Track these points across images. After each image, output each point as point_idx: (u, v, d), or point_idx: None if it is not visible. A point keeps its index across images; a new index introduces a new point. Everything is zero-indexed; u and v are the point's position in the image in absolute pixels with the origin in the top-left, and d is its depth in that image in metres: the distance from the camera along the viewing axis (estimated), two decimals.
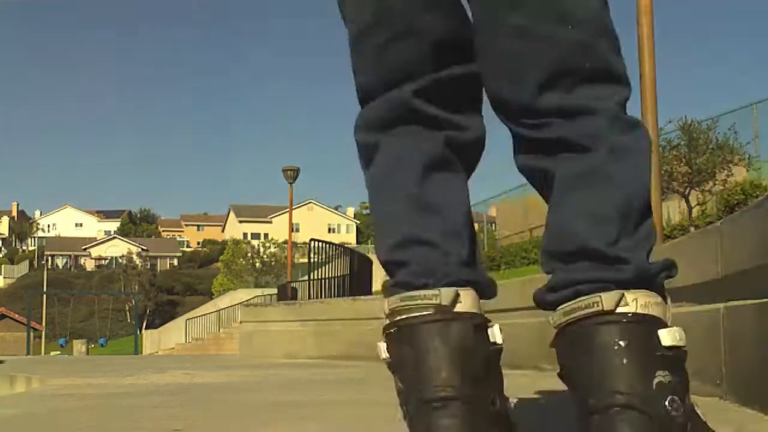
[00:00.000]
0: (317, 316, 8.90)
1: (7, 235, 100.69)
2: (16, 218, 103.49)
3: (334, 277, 11.55)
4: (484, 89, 1.13)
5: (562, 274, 1.04)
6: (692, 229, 13.60)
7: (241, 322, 10.31)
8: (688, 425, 1.02)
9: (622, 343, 0.98)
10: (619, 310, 0.99)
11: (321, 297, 11.42)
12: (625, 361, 0.97)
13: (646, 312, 1.01)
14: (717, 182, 14.03)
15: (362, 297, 9.10)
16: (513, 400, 1.17)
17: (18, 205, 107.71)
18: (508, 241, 26.26)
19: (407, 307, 1.05)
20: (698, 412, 1.09)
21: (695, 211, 14.86)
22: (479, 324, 1.07)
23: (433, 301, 1.04)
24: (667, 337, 1.01)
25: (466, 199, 1.16)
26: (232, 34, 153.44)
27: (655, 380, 0.98)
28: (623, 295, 1.00)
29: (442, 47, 1.10)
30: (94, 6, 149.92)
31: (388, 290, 1.09)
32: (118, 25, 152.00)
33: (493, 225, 33.33)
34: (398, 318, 1.05)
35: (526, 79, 1.04)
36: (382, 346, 1.09)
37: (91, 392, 4.19)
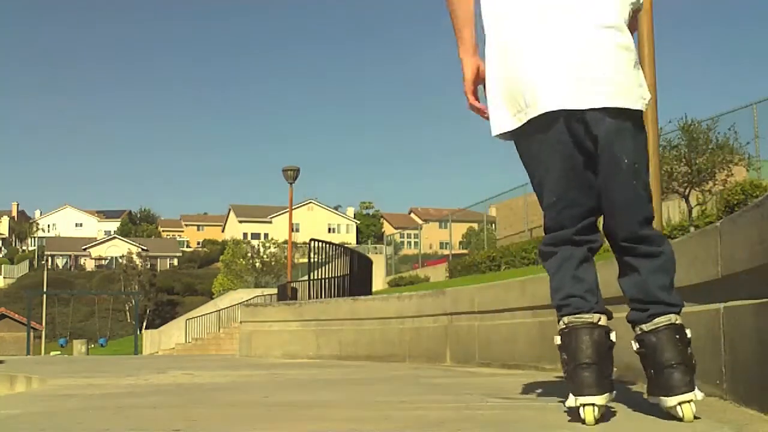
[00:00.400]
0: (317, 316, 8.90)
1: (7, 235, 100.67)
2: (16, 218, 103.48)
3: (334, 277, 11.54)
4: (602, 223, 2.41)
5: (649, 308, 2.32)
6: (692, 229, 13.60)
7: (241, 322, 10.31)
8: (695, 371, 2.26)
9: (677, 336, 2.25)
10: (677, 322, 2.27)
11: (321, 297, 11.42)
12: (679, 344, 2.23)
13: (680, 322, 2.28)
14: (717, 182, 14.02)
15: (362, 297, 9.10)
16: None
17: (18, 205, 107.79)
18: (508, 241, 26.25)
19: (576, 320, 2.26)
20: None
21: (695, 211, 14.86)
22: (608, 331, 2.28)
23: (589, 319, 2.27)
24: (689, 332, 2.27)
25: (596, 274, 2.37)
26: (232, 33, 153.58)
27: (688, 350, 2.24)
28: (676, 317, 2.29)
29: (587, 212, 2.36)
30: (95, 3, 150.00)
31: (561, 312, 2.31)
32: (117, 24, 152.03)
33: (493, 225, 33.31)
34: (570, 324, 2.27)
35: (634, 219, 2.34)
36: (558, 338, 2.29)
37: (91, 392, 4.19)
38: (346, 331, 8.41)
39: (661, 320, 2.23)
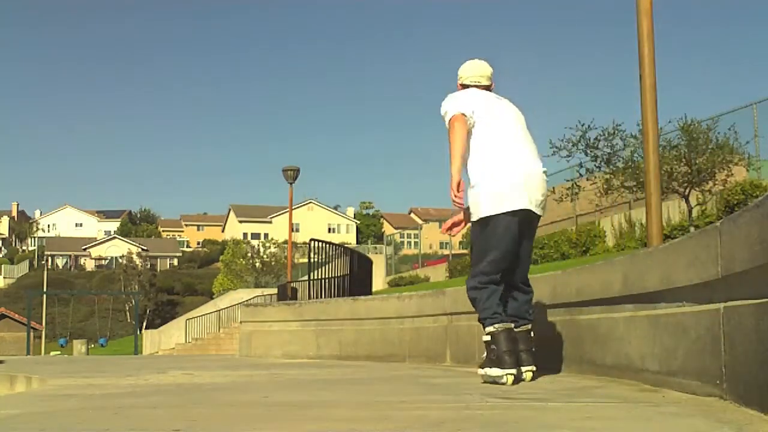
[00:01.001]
0: (317, 316, 8.90)
1: (7, 235, 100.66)
2: (16, 218, 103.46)
3: (334, 277, 11.54)
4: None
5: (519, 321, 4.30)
6: (692, 229, 13.60)
7: (241, 322, 10.31)
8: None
9: (532, 334, 4.32)
10: (530, 327, 4.30)
11: (321, 297, 11.41)
12: (530, 338, 4.30)
13: (531, 327, 4.34)
14: (717, 182, 14.01)
15: (362, 297, 9.09)
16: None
17: (18, 205, 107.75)
18: None
19: (501, 326, 4.13)
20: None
21: (695, 211, 14.85)
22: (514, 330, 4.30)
23: (507, 326, 4.14)
24: (533, 333, 4.35)
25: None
26: (232, 33, 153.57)
27: (531, 343, 4.31)
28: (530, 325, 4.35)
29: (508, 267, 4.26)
30: (95, 3, 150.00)
31: (490, 322, 4.16)
32: (117, 23, 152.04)
33: None
34: (498, 329, 4.13)
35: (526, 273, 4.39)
36: (487, 336, 4.16)
37: (91, 392, 4.19)
38: (346, 331, 8.41)
39: (525, 327, 4.32)
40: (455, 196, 4.06)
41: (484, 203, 4.13)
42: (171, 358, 16.51)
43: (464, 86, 4.47)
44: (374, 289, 14.50)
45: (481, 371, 4.19)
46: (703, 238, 2.94)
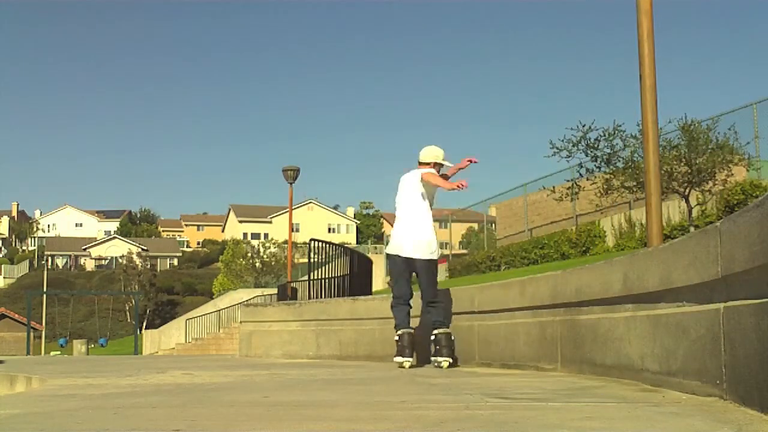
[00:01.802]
0: (317, 316, 8.90)
1: (7, 235, 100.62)
2: (16, 218, 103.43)
3: (334, 277, 11.53)
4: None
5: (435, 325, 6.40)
6: (692, 229, 13.60)
7: (241, 322, 10.30)
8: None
9: (452, 337, 6.31)
10: (449, 330, 6.38)
11: (321, 297, 11.40)
12: (449, 340, 6.29)
13: (449, 331, 6.40)
14: (717, 182, 14.00)
15: (362, 297, 9.09)
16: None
17: (18, 205, 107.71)
18: (508, 241, 26.25)
19: (405, 330, 6.39)
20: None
21: (695, 211, 14.85)
22: (412, 333, 6.43)
23: (409, 330, 6.46)
24: (453, 336, 6.35)
25: (409, 312, 6.48)
26: (231, 32, 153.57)
27: (453, 343, 6.29)
28: (446, 329, 6.36)
29: (409, 290, 6.52)
30: (95, 4, 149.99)
31: (398, 328, 6.44)
32: (117, 23, 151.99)
33: (493, 225, 33.30)
34: (403, 332, 6.38)
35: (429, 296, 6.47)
36: (396, 337, 6.35)
37: (91, 392, 4.19)
38: (346, 331, 8.41)
39: (440, 330, 6.23)
40: (446, 184, 6.36)
41: (387, 248, 6.71)
42: (171, 358, 16.51)
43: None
44: (374, 289, 14.50)
45: (394, 359, 6.29)
46: (703, 238, 2.94)
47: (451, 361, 6.08)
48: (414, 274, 6.35)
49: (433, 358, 6.20)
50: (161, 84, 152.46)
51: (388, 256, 6.63)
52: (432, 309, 6.28)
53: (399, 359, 6.17)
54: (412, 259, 6.25)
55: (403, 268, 6.31)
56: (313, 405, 3.30)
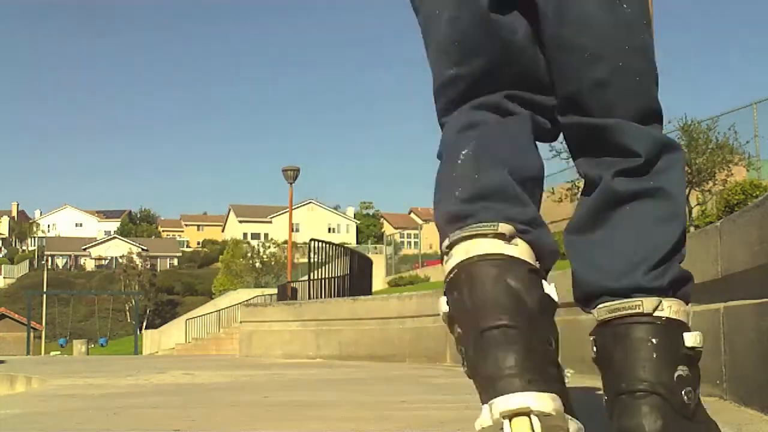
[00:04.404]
0: (317, 316, 8.90)
1: (7, 235, 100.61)
2: (16, 218, 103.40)
3: (334, 277, 11.54)
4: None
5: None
6: (692, 229, 13.60)
7: (241, 322, 10.31)
8: (697, 412, 1.24)
9: (654, 340, 1.19)
10: (657, 313, 1.20)
11: (321, 297, 11.41)
12: (654, 355, 1.18)
13: (676, 317, 1.21)
14: (717, 182, 14.01)
15: (362, 297, 9.09)
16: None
17: (18, 205, 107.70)
18: None
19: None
20: (702, 403, 1.29)
21: (695, 211, 14.85)
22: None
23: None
24: (690, 339, 1.22)
25: None
26: (232, 33, 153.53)
27: (677, 373, 1.19)
28: (661, 301, 1.21)
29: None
30: (95, 5, 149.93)
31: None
32: (116, 25, 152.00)
33: None
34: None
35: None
36: (443, 301, 1.27)
37: (91, 392, 4.19)
38: (346, 331, 8.40)
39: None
40: None
41: None
42: (171, 358, 16.51)
43: None
44: (374, 289, 14.50)
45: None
46: (702, 238, 2.94)
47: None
48: None
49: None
50: (162, 83, 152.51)
51: None
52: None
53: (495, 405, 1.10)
54: None
55: None
56: (314, 405, 3.30)
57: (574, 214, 1.41)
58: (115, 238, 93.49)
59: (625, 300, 1.21)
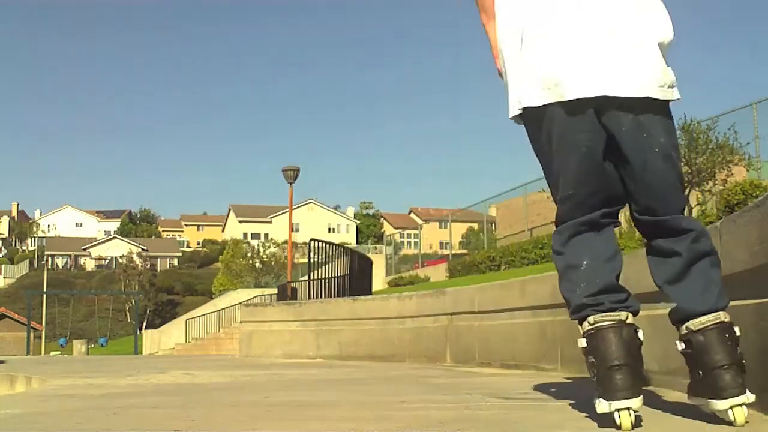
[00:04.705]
0: (317, 316, 8.90)
1: (7, 235, 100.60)
2: (16, 218, 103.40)
3: (334, 277, 11.54)
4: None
5: None
6: None
7: (241, 322, 10.31)
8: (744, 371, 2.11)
9: (727, 335, 2.11)
10: (724, 320, 2.12)
11: (321, 297, 11.41)
12: (729, 343, 2.09)
13: (730, 320, 2.14)
14: (717, 182, 14.02)
15: (362, 297, 9.10)
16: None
17: (18, 205, 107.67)
18: (508, 241, 26.25)
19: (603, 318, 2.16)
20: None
21: (695, 211, 14.86)
22: (636, 329, 2.18)
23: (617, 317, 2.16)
24: (737, 330, 2.13)
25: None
26: (232, 33, 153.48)
27: (738, 350, 2.10)
28: (725, 313, 2.15)
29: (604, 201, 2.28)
30: (95, 5, 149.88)
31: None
32: (116, 25, 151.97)
33: (493, 225, 33.31)
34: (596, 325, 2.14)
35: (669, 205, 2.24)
36: (582, 341, 2.15)
37: (91, 392, 4.19)
38: (346, 331, 8.41)
39: (708, 319, 2.10)
40: (497, 62, 2.53)
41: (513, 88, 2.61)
42: (171, 358, 16.51)
43: None
44: (374, 289, 14.50)
45: (598, 403, 2.31)
46: None
47: (746, 401, 2.09)
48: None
49: (692, 397, 2.21)
50: (161, 83, 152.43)
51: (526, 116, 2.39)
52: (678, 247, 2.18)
53: (617, 405, 2.04)
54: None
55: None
56: (314, 405, 3.30)
57: (660, 270, 2.26)
58: (115, 238, 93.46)
59: (710, 315, 2.12)
